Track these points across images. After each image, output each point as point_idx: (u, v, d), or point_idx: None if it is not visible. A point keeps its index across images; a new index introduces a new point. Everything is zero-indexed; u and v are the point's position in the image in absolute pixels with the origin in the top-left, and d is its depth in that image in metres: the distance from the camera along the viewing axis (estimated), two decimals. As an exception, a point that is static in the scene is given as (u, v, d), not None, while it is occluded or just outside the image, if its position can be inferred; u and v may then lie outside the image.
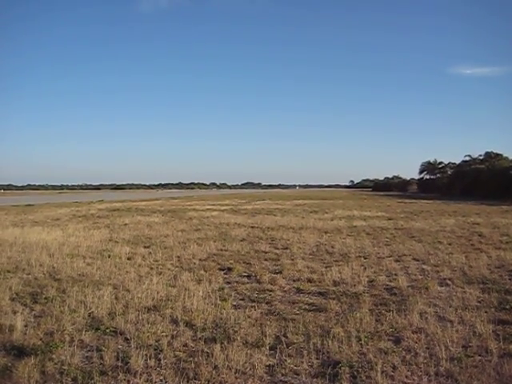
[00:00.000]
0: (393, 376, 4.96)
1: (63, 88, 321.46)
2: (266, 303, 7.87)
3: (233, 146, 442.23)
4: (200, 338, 6.11)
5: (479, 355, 5.50)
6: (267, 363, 5.32)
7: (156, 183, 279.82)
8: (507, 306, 7.44)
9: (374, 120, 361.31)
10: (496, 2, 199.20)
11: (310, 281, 9.56)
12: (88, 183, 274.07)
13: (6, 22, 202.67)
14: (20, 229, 19.76)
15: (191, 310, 7.30)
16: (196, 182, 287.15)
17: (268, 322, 6.68)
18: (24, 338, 6.08)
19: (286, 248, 14.37)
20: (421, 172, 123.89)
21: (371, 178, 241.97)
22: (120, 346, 5.85)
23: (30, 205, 45.84)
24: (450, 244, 15.03)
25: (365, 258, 12.33)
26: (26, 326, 6.57)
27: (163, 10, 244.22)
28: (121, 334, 6.28)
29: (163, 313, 7.17)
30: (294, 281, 9.63)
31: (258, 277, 9.97)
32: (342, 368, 5.12)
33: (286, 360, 5.40)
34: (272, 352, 5.65)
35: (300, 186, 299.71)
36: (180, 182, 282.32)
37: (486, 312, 7.16)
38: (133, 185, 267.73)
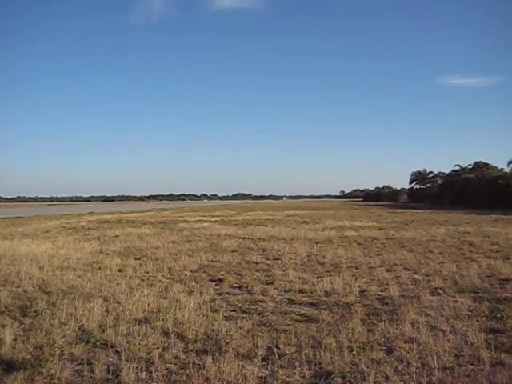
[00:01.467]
0: (385, 386, 4.95)
1: (53, 100, 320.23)
2: (258, 314, 7.84)
3: (223, 157, 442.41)
4: (191, 350, 6.07)
5: (471, 364, 5.51)
6: (259, 375, 5.30)
7: (147, 195, 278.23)
8: (498, 315, 7.46)
9: (364, 129, 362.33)
10: (485, 13, 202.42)
11: (301, 291, 9.54)
12: (78, 195, 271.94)
13: (4, 33, 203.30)
14: (9, 241, 19.58)
15: (182, 321, 7.25)
16: (187, 193, 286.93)
17: (260, 333, 6.65)
18: (13, 351, 6.01)
19: (278, 259, 14.35)
20: (411, 182, 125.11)
21: (362, 188, 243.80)
22: (111, 359, 5.80)
23: (19, 217, 45.48)
24: (440, 253, 15.09)
25: (356, 268, 12.34)
26: (15, 339, 6.49)
27: (154, 23, 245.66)
28: (111, 347, 6.22)
29: (154, 325, 7.12)
30: (285, 291, 9.61)
31: (249, 288, 9.95)
32: (335, 379, 5.11)
33: (278, 371, 5.37)
34: (264, 363, 5.63)
35: (290, 197, 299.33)
36: (171, 194, 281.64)
37: (477, 321, 7.19)
38: (123, 196, 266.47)
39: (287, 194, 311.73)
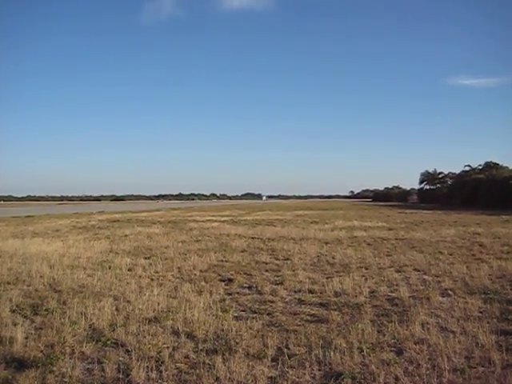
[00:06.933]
0: (395, 387, 4.94)
1: (63, 98, 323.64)
2: (268, 314, 7.84)
3: (233, 157, 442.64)
4: (201, 350, 6.08)
5: (482, 366, 5.47)
6: (269, 375, 5.30)
7: (156, 194, 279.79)
8: (509, 317, 7.41)
9: (374, 130, 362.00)
10: (494, 14, 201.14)
11: (311, 292, 9.53)
12: (88, 194, 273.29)
13: (6, 31, 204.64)
14: (20, 240, 19.74)
15: (192, 321, 7.27)
16: (196, 193, 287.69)
17: (270, 334, 6.65)
18: (25, 350, 6.06)
19: (287, 259, 14.34)
20: (421, 182, 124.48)
21: (371, 188, 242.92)
22: (121, 358, 5.83)
23: (30, 216, 45.88)
24: (450, 254, 15.00)
25: (366, 269, 12.30)
26: (26, 337, 6.55)
27: (163, 23, 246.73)
28: (122, 346, 6.25)
29: (164, 324, 7.15)
30: (295, 292, 9.61)
31: (259, 288, 9.95)
32: (345, 379, 5.10)
33: (288, 371, 5.37)
34: (274, 363, 5.62)
35: (299, 197, 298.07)
36: (180, 193, 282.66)
37: (488, 322, 7.14)
38: (133, 196, 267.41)
39: (267, 194, 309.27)
